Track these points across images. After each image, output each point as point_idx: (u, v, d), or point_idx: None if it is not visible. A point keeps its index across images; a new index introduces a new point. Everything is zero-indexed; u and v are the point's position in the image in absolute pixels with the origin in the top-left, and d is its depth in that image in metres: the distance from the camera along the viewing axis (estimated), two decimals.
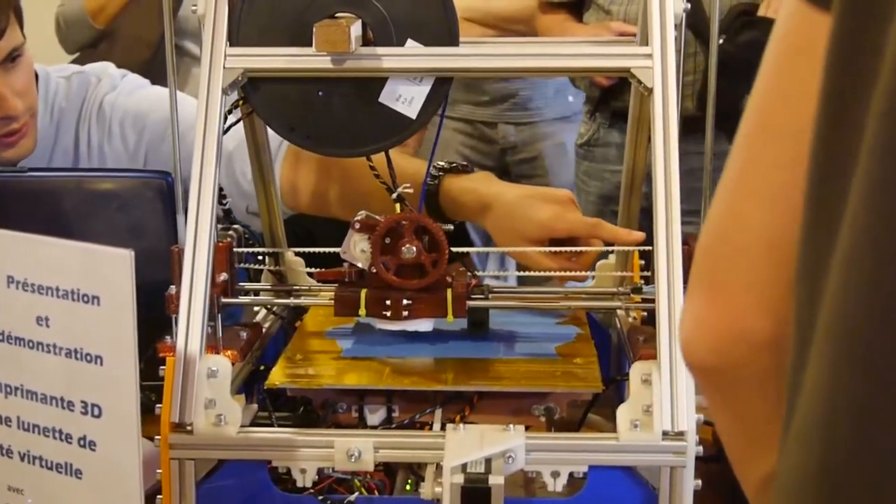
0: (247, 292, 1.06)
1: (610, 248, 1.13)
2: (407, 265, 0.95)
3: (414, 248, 0.95)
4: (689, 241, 0.97)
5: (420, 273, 0.96)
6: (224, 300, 0.97)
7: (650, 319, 0.99)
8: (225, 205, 1.06)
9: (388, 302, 0.96)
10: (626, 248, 1.10)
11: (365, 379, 0.95)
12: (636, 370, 0.85)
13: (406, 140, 0.94)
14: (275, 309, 1.11)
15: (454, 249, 0.98)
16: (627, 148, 1.10)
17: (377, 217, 0.97)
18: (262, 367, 1.01)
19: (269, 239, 1.15)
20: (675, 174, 0.87)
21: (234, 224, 1.05)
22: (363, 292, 0.96)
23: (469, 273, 1.00)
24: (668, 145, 0.88)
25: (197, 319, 0.88)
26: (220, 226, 1.03)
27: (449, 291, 0.96)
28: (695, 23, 1.66)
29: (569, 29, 1.89)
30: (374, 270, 0.96)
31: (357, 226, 0.97)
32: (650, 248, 0.89)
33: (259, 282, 1.13)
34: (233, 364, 0.90)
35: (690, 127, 1.84)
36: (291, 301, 1.09)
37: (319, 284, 1.11)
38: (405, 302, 0.95)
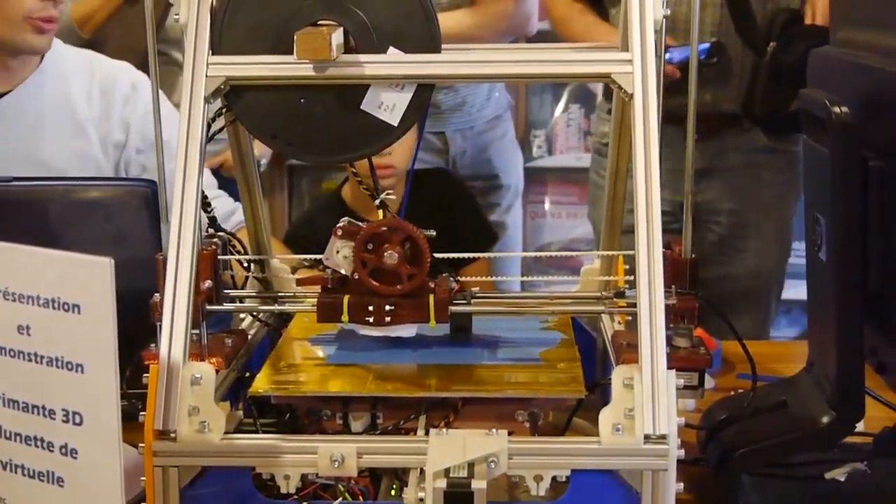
0: (232, 299, 1.05)
1: (595, 253, 1.13)
2: (389, 271, 0.95)
3: (395, 255, 0.95)
4: (671, 246, 0.97)
5: (402, 279, 0.95)
6: (208, 307, 0.97)
7: (635, 324, 0.99)
8: (210, 212, 1.05)
9: (370, 308, 0.95)
10: (610, 253, 1.10)
11: (349, 386, 0.94)
12: (618, 374, 0.85)
13: (388, 146, 0.94)
14: (260, 316, 1.11)
15: (437, 256, 0.98)
16: (611, 153, 1.10)
17: (359, 224, 0.97)
18: (247, 375, 1.00)
19: (255, 246, 1.15)
20: (655, 178, 0.87)
21: (220, 231, 1.05)
22: (346, 298, 0.96)
23: (452, 279, 1.00)
24: (648, 149, 0.88)
25: (180, 327, 0.87)
26: (206, 233, 1.04)
27: (431, 297, 0.95)
28: (743, 29, 1.71)
29: (589, 26, 1.89)
30: (356, 276, 0.96)
31: (339, 232, 0.97)
32: (632, 252, 0.89)
33: (244, 288, 1.12)
34: (217, 371, 0.90)
35: (731, 124, 1.88)
36: (276, 308, 1.09)
37: (305, 291, 1.10)
38: (387, 308, 0.95)
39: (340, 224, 0.97)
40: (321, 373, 0.98)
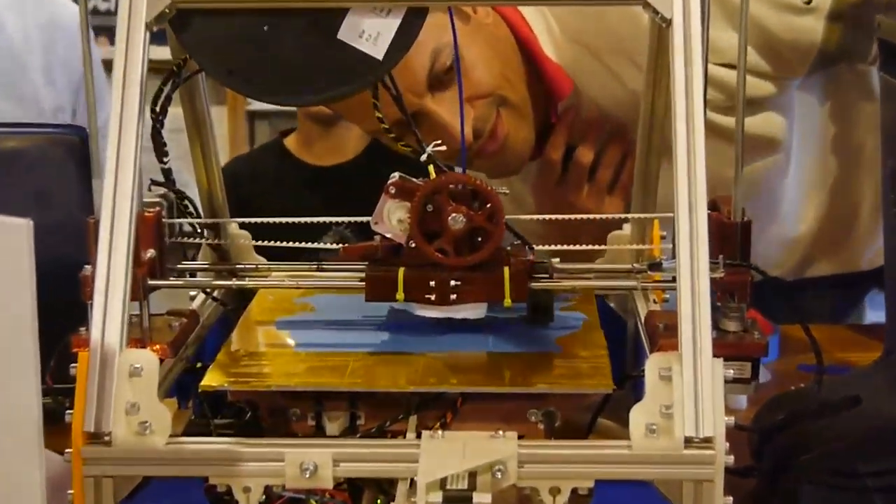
0: (181, 272, 1.06)
1: (625, 215, 1.13)
2: (454, 238, 0.96)
3: (462, 217, 0.95)
4: (717, 206, 0.97)
5: (470, 247, 0.96)
6: (151, 282, 0.97)
7: (674, 302, 0.99)
8: (166, 162, 1.06)
9: (431, 283, 0.96)
10: (644, 217, 1.10)
11: (323, 378, 0.94)
12: (653, 364, 0.85)
13: (371, 86, 0.93)
14: (215, 293, 1.11)
15: (511, 217, 0.99)
16: (644, 94, 1.10)
17: (415, 180, 0.98)
18: (198, 365, 1.00)
19: (208, 207, 1.15)
20: (698, 122, 0.86)
21: (170, 188, 1.05)
22: (401, 272, 0.97)
23: (528, 246, 1.01)
24: (690, 88, 0.87)
25: (116, 306, 0.87)
26: (148, 190, 1.04)
27: (506, 270, 0.96)
28: None
29: None
30: (414, 245, 0.96)
31: (392, 190, 0.97)
32: (671, 214, 0.88)
33: (196, 260, 1.13)
34: (161, 360, 0.90)
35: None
36: (235, 283, 1.08)
37: (269, 264, 1.11)
38: (453, 283, 0.96)
39: (392, 180, 0.98)
40: (289, 363, 0.98)
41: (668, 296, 1.07)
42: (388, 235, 0.99)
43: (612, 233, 1.16)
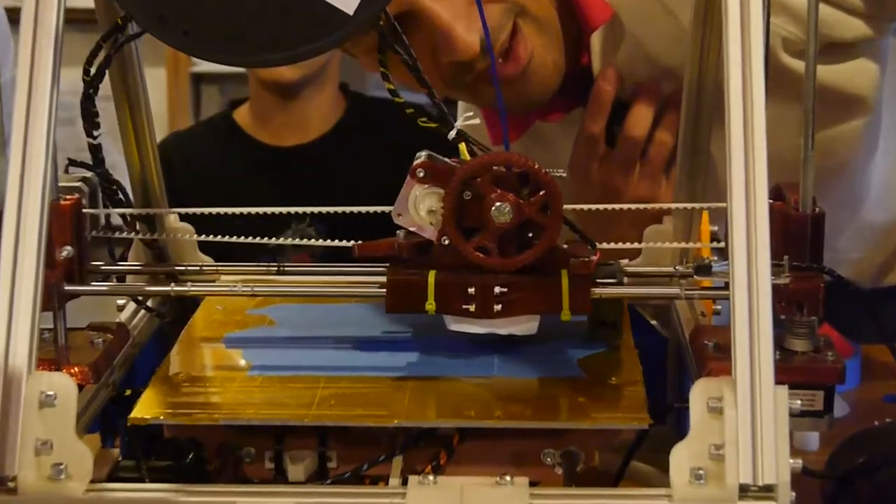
0: (106, 276, 1.06)
1: (666, 205, 1.13)
2: (499, 233, 0.96)
3: (509, 208, 0.95)
4: (782, 194, 0.97)
5: (519, 245, 0.96)
6: (68, 288, 0.97)
7: (726, 315, 0.99)
8: (97, 137, 1.05)
9: (470, 290, 0.97)
10: (689, 207, 1.10)
11: (284, 410, 0.94)
12: (700, 393, 0.85)
13: (340, 44, 0.93)
14: (149, 302, 1.11)
15: (570, 207, 0.98)
16: (691, 53, 1.10)
17: (448, 161, 0.97)
18: (127, 392, 1.01)
19: (140, 193, 1.15)
20: (758, 80, 0.86)
21: (95, 170, 1.06)
22: (431, 275, 0.97)
23: (589, 244, 1.01)
24: (747, 43, 0.86)
25: (23, 318, 0.86)
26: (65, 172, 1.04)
27: (564, 273, 0.97)
28: None
29: None
30: (448, 241, 0.97)
31: (420, 173, 0.97)
32: (723, 204, 0.88)
33: (125, 260, 1.13)
34: (81, 387, 0.90)
35: None
36: (174, 289, 1.07)
37: (217, 265, 1.11)
38: (497, 290, 0.96)
39: (420, 160, 0.98)
40: (241, 390, 0.98)
41: (719, 307, 1.07)
42: (414, 230, 0.98)
43: (650, 227, 1.16)
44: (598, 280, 0.99)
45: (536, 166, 0.95)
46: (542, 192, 0.95)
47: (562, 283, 0.97)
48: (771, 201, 0.87)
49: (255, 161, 2.40)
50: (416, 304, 0.97)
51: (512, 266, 0.96)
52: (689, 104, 1.12)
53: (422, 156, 0.98)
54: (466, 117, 0.99)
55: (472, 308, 0.97)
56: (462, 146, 0.97)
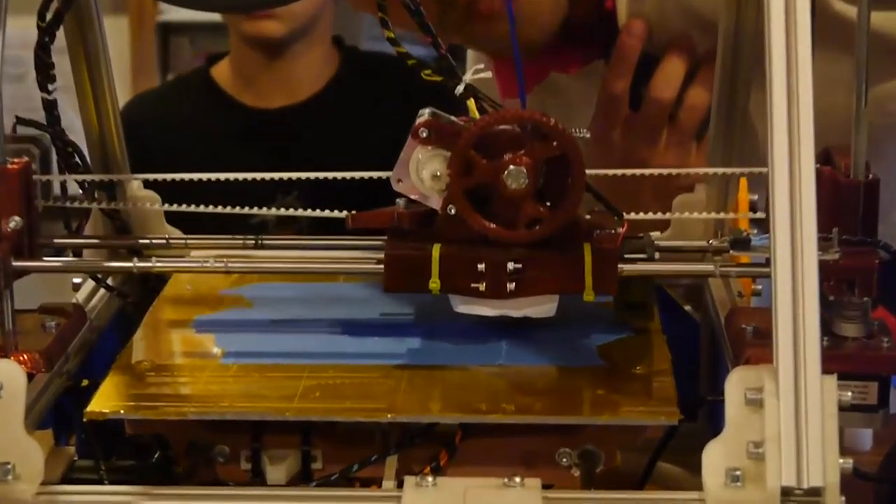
0: (59, 250, 1.06)
1: (697, 170, 1.13)
2: (513, 201, 0.96)
3: (524, 172, 0.95)
4: (831, 158, 0.97)
5: (535, 216, 0.97)
6: (16, 263, 0.97)
7: (767, 295, 1.01)
8: (51, 91, 1.07)
9: (480, 266, 0.97)
10: (725, 172, 1.11)
11: (263, 403, 0.95)
12: (737, 383, 0.85)
13: None
14: (109, 280, 1.11)
15: (592, 172, 0.98)
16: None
17: (455, 119, 0.98)
18: (83, 383, 1.01)
19: (99, 157, 1.16)
20: (803, 38, 0.86)
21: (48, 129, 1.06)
22: (435, 249, 0.97)
23: (616, 214, 1.01)
24: None
25: None
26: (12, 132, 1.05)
27: (587, 248, 0.97)
28: None
29: None
30: (454, 211, 0.97)
31: (423, 133, 0.97)
32: (764, 169, 0.89)
33: (82, 232, 1.13)
34: (31, 376, 0.90)
35: None
36: (137, 265, 1.07)
37: (187, 238, 1.12)
38: (511, 266, 0.97)
39: (422, 118, 0.98)
40: (214, 380, 0.98)
41: (759, 286, 1.08)
42: (417, 198, 0.99)
43: (680, 196, 1.16)
44: (626, 255, 1.00)
45: (556, 124, 0.95)
46: (560, 161, 0.96)
47: (584, 258, 0.97)
48: (818, 166, 0.87)
49: (238, 126, 2.36)
50: (419, 282, 0.98)
51: (528, 239, 0.97)
52: (724, 56, 1.13)
53: (425, 114, 0.98)
54: (476, 70, 0.99)
55: (481, 287, 0.97)
56: (471, 102, 0.98)
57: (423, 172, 0.98)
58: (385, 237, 1.00)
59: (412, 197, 0.99)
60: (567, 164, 0.96)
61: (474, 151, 0.96)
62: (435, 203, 0.98)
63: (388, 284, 0.99)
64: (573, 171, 0.96)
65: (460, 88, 0.98)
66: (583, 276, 0.97)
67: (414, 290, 0.99)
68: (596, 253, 0.97)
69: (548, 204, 0.97)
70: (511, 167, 0.95)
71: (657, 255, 1.03)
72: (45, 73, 1.03)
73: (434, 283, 0.98)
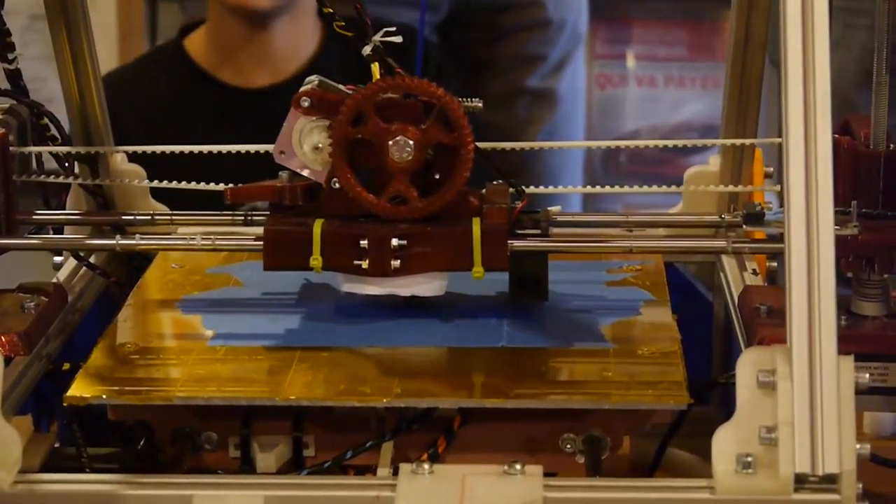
0: (39, 227, 1.07)
1: (711, 141, 1.14)
2: (399, 174, 0.96)
3: (411, 143, 0.95)
4: (850, 127, 0.96)
5: (424, 189, 0.97)
6: None
7: (781, 272, 1.01)
8: (12, 61, 1.06)
9: (363, 243, 0.97)
10: (738, 142, 1.10)
11: (253, 387, 0.94)
12: (749, 364, 0.85)
13: None
14: (91, 258, 1.11)
15: (482, 145, 0.98)
16: None
17: (343, 87, 0.98)
18: (65, 366, 1.01)
19: (80, 130, 1.15)
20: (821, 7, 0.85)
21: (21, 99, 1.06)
22: (317, 225, 0.97)
23: (513, 188, 1.01)
24: None
25: None
26: None
27: (476, 222, 0.97)
28: None
29: None
30: (338, 185, 0.97)
31: (304, 102, 0.98)
32: (779, 140, 0.88)
33: (62, 208, 1.13)
34: (9, 359, 0.91)
35: None
36: (120, 242, 1.07)
37: (173, 214, 1.12)
38: (395, 242, 0.97)
39: (306, 87, 0.98)
40: (201, 363, 0.98)
41: (774, 263, 1.07)
42: (300, 171, 0.99)
43: (691, 169, 1.16)
44: (520, 231, 1.00)
45: (444, 94, 0.96)
46: (448, 130, 0.96)
47: (474, 233, 0.97)
48: (836, 136, 0.88)
49: (216, 106, 2.26)
50: (299, 259, 0.98)
51: (414, 213, 0.97)
52: (738, 16, 1.12)
53: (312, 81, 0.99)
54: (387, 31, 0.99)
55: (364, 264, 0.98)
56: (374, 66, 0.98)
57: (304, 145, 0.99)
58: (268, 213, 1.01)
59: (296, 170, 1.00)
60: (458, 136, 0.96)
61: (357, 122, 0.96)
62: (319, 177, 0.99)
63: (267, 262, 1.00)
64: (463, 143, 0.96)
65: (367, 49, 0.98)
66: (471, 253, 0.98)
67: (295, 267, 1.00)
68: (485, 228, 0.98)
69: (437, 177, 0.97)
70: (397, 138, 0.96)
71: (552, 229, 1.03)
72: (2, 41, 1.02)
73: (315, 261, 0.98)
